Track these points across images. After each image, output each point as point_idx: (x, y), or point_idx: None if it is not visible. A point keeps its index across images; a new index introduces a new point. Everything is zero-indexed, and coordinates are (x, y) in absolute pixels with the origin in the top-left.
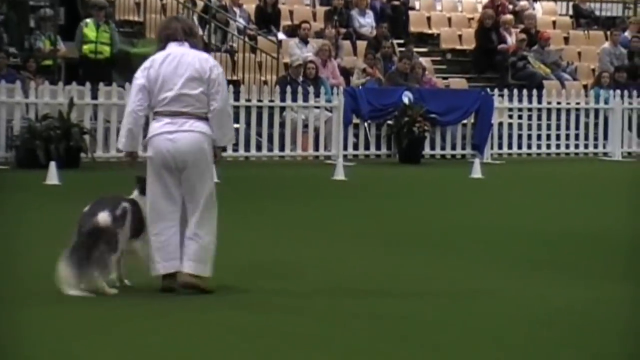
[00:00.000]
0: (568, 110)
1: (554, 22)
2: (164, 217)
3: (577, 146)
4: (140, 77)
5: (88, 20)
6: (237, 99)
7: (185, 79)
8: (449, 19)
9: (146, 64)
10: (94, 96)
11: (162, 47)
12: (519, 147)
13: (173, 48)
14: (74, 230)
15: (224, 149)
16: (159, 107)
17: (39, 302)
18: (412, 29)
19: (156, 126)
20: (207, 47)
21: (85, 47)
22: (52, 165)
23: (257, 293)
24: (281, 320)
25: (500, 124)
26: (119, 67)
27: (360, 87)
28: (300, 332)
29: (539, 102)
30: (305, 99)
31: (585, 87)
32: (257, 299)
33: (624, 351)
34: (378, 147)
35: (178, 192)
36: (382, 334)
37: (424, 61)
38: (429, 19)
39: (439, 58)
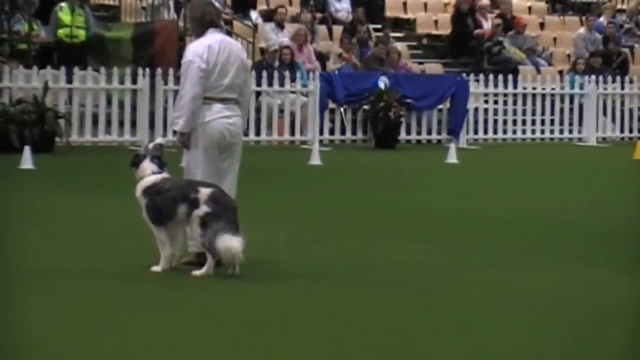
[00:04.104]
0: (543, 96)
1: (529, 8)
2: None
3: (552, 131)
4: (200, 62)
5: (63, 4)
6: None
7: (236, 68)
8: (425, 4)
9: (199, 49)
10: (69, 80)
11: (202, 33)
12: (495, 132)
13: (217, 35)
14: (218, 208)
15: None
16: (212, 93)
17: (20, 286)
18: (388, 13)
19: (213, 110)
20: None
21: (60, 31)
22: (27, 149)
23: (231, 277)
24: (256, 303)
25: (476, 109)
26: (94, 51)
27: (336, 72)
28: (273, 317)
29: (515, 87)
30: (281, 84)
31: (560, 72)
32: (231, 283)
33: (593, 333)
34: (354, 132)
35: (222, 166)
36: (351, 318)
37: (400, 46)
38: (404, 4)
39: (414, 43)
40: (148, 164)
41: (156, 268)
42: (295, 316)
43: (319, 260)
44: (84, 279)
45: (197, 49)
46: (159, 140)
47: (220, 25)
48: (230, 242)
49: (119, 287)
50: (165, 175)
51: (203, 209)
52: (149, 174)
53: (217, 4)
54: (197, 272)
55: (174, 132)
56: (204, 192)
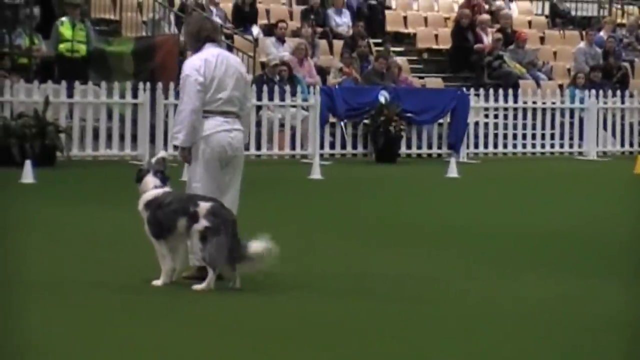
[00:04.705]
0: (543, 110)
1: (529, 22)
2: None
3: (552, 146)
4: (197, 75)
5: (64, 18)
6: None
7: (234, 81)
8: (425, 19)
9: (196, 63)
10: (70, 94)
11: (199, 48)
12: (495, 146)
13: (214, 49)
14: (217, 221)
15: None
16: (211, 107)
17: (21, 296)
18: (389, 28)
19: (213, 124)
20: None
21: (61, 45)
22: (28, 163)
23: (232, 289)
24: (257, 315)
25: (476, 124)
26: (95, 66)
27: (336, 86)
28: (273, 329)
29: (515, 101)
30: (282, 98)
31: (560, 86)
32: (231, 295)
33: (593, 344)
34: (354, 146)
35: (223, 180)
36: (352, 328)
37: (400, 60)
38: (405, 18)
39: (415, 57)
40: (151, 178)
41: (157, 282)
42: (296, 326)
43: (320, 272)
44: (84, 291)
45: (194, 63)
46: (161, 154)
47: (217, 40)
48: (258, 247)
49: (119, 299)
50: (167, 189)
51: (202, 222)
52: (152, 188)
53: (217, 19)
54: (198, 287)
55: (175, 147)
56: (204, 206)
